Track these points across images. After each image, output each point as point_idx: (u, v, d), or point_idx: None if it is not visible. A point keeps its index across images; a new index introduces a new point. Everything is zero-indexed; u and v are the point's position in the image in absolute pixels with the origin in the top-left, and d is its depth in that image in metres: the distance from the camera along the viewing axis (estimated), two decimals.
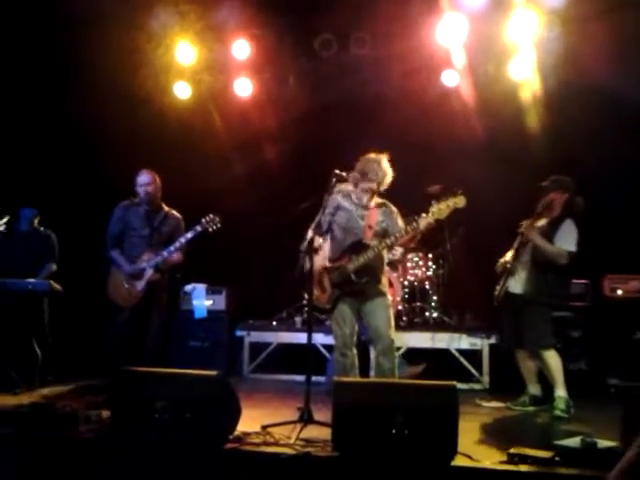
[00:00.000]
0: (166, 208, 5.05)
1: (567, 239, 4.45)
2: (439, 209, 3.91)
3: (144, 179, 4.90)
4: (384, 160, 4.16)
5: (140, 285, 4.77)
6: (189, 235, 4.75)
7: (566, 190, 4.59)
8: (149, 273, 4.78)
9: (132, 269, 4.81)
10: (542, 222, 4.63)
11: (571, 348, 5.43)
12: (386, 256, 5.37)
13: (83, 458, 3.44)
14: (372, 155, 4.18)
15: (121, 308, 4.80)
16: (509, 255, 4.76)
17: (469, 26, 5.80)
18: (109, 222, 4.96)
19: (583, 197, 4.63)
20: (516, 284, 4.64)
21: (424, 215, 3.96)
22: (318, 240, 4.21)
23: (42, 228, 5.70)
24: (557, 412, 4.37)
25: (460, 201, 3.94)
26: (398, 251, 5.42)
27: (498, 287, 4.73)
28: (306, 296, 4.23)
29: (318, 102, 6.64)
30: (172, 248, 4.75)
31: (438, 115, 6.39)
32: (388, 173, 4.17)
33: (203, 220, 4.73)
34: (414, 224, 4.00)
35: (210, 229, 4.74)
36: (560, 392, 4.46)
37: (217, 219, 4.73)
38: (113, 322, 4.81)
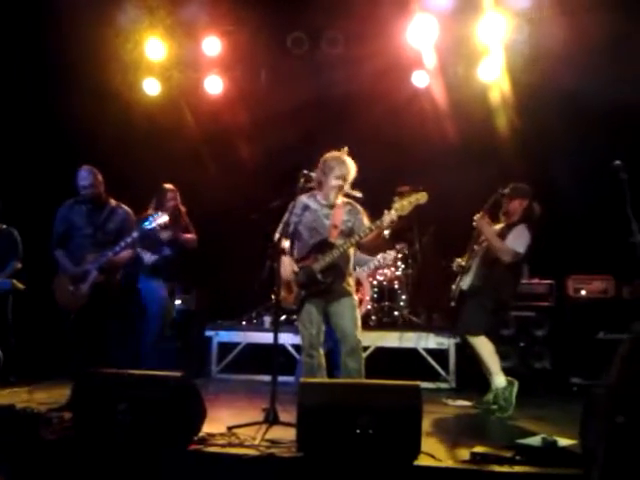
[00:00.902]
0: (113, 203, 4.85)
1: (516, 240, 4.53)
2: (402, 205, 3.95)
3: (83, 177, 4.68)
4: (346, 157, 4.20)
5: (84, 288, 4.58)
6: (135, 234, 4.60)
7: (525, 197, 4.67)
8: (93, 275, 4.58)
9: (75, 271, 4.62)
10: (500, 226, 4.71)
11: (535, 347, 5.52)
12: (377, 258, 5.41)
13: (44, 461, 3.38)
14: (335, 153, 4.21)
15: (66, 311, 4.64)
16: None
17: (439, 28, 5.85)
18: (54, 222, 4.79)
19: (541, 203, 4.72)
20: (467, 279, 4.71)
21: (387, 212, 3.99)
22: (285, 241, 4.19)
23: (4, 225, 5.57)
24: (497, 414, 4.43)
25: (422, 197, 3.97)
26: (390, 254, 5.45)
27: (454, 286, 4.80)
28: (273, 296, 4.21)
29: (290, 100, 6.62)
30: (117, 248, 4.58)
31: (409, 115, 6.44)
32: (352, 169, 4.19)
33: (151, 218, 4.64)
34: (377, 222, 4.03)
35: (157, 227, 4.68)
36: (497, 382, 4.48)
37: (165, 217, 4.66)
38: (63, 326, 4.68)
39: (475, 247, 4.76)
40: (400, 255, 5.80)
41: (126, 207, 4.93)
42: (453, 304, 4.78)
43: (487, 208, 4.69)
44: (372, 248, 5.33)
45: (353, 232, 4.18)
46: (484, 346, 4.52)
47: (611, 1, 5.17)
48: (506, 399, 4.43)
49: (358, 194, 4.91)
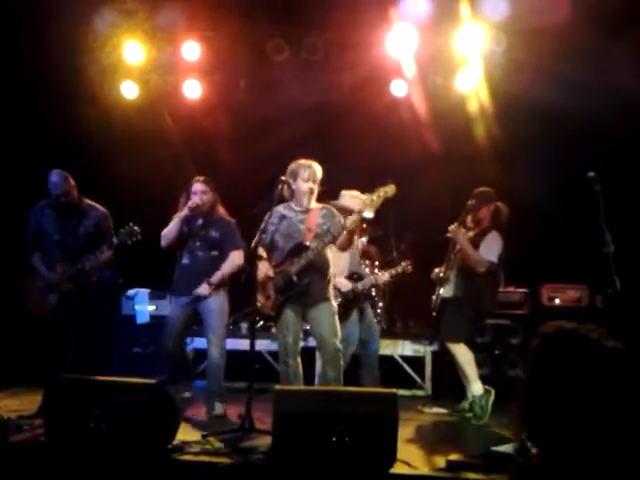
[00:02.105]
0: (85, 204, 4.63)
1: (489, 249, 4.60)
2: (371, 200, 3.92)
3: (54, 183, 4.46)
4: (311, 161, 4.24)
5: (53, 298, 4.44)
6: (105, 249, 4.40)
7: (490, 201, 4.76)
8: (62, 286, 4.43)
9: (51, 277, 4.47)
10: (471, 234, 4.77)
11: (510, 355, 5.56)
12: (374, 277, 5.32)
13: (14, 468, 3.32)
14: (299, 159, 4.25)
15: (33, 319, 4.51)
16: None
17: (418, 37, 5.89)
18: (27, 224, 4.63)
19: (517, 211, 4.81)
20: (448, 290, 4.77)
21: (356, 210, 4.02)
22: (262, 250, 4.20)
23: None
24: (473, 421, 4.50)
25: (390, 190, 3.94)
26: (385, 275, 5.42)
27: (434, 297, 4.85)
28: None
29: (269, 106, 6.62)
30: (86, 261, 4.39)
31: (388, 124, 6.46)
32: (318, 170, 4.23)
33: (121, 230, 4.38)
34: (349, 218, 4.02)
35: (129, 241, 4.39)
36: (473, 389, 4.54)
37: (137, 230, 4.37)
38: (32, 331, 4.58)
39: (451, 257, 4.80)
40: (409, 269, 5.66)
41: (101, 208, 4.71)
42: (435, 314, 4.82)
43: (462, 219, 4.74)
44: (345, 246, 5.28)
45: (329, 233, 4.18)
46: (464, 354, 4.57)
47: (590, 14, 5.26)
48: (482, 407, 4.47)
49: (369, 215, 4.83)
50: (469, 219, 4.79)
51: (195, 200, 4.60)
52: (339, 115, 6.54)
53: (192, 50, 6.33)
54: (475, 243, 4.66)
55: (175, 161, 6.75)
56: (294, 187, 4.22)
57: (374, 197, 3.94)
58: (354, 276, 5.24)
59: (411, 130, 6.45)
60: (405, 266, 5.44)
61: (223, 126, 6.78)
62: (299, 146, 6.17)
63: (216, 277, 4.63)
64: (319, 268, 4.17)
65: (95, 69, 6.31)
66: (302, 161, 4.25)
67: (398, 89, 6.38)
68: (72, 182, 4.59)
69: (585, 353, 1.46)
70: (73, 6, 5.61)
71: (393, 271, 5.39)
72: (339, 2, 5.86)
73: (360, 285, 5.22)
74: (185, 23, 6.18)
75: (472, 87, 6.19)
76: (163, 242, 4.66)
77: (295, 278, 4.09)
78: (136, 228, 4.38)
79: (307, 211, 4.25)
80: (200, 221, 4.72)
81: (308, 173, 4.19)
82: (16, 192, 6.12)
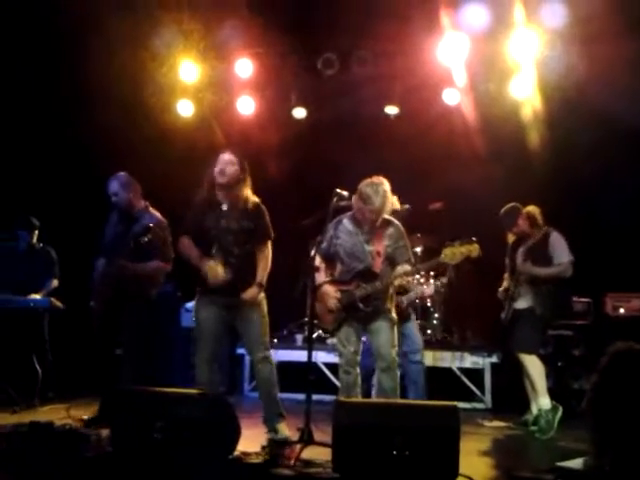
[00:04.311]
0: (139, 210, 4.45)
1: (561, 250, 4.59)
2: (452, 253, 3.92)
3: (109, 186, 4.38)
4: (383, 186, 4.06)
5: (99, 307, 4.40)
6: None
7: (519, 212, 4.74)
8: (104, 294, 4.36)
9: (98, 284, 4.41)
10: (530, 243, 4.73)
11: (573, 367, 5.41)
12: (419, 289, 5.30)
13: (82, 478, 3.41)
14: (374, 181, 4.08)
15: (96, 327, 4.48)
16: (506, 281, 4.90)
17: (470, 45, 5.84)
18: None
19: (576, 221, 4.77)
20: (522, 301, 4.72)
21: (436, 258, 4.08)
22: (319, 259, 4.20)
23: (41, 244, 5.68)
24: (537, 435, 4.41)
25: (474, 250, 3.92)
26: (430, 289, 5.39)
27: (503, 313, 4.82)
28: (307, 314, 4.21)
29: (320, 120, 6.69)
30: (119, 264, 4.28)
31: (439, 133, 6.42)
32: (386, 202, 4.08)
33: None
34: (425, 264, 4.34)
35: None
36: (542, 403, 4.46)
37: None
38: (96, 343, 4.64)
39: (515, 273, 4.77)
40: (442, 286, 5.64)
41: (156, 216, 4.49)
42: (505, 326, 4.79)
43: (525, 251, 4.71)
44: None
45: (393, 258, 4.16)
46: (536, 366, 4.53)
47: None
48: (548, 421, 4.37)
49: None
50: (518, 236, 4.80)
51: (214, 170, 3.70)
52: (390, 125, 6.54)
53: (245, 67, 6.47)
54: (540, 248, 4.63)
55: None
56: (361, 207, 4.07)
57: (456, 252, 3.93)
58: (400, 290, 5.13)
59: (464, 138, 6.39)
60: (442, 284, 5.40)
61: (275, 140, 6.88)
62: (350, 157, 6.21)
63: (263, 276, 3.92)
64: (383, 294, 4.14)
65: (152, 88, 6.52)
66: (374, 185, 4.03)
67: (450, 97, 6.34)
68: (131, 186, 4.45)
69: None
70: (132, 28, 5.82)
71: (439, 283, 5.33)
72: (388, 12, 5.88)
73: (405, 299, 5.00)
74: (238, 41, 6.32)
75: (526, 94, 6.08)
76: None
77: (361, 305, 4.08)
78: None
79: (372, 230, 4.18)
80: (226, 206, 3.83)
81: (374, 204, 4.00)
82: (78, 208, 6.37)
